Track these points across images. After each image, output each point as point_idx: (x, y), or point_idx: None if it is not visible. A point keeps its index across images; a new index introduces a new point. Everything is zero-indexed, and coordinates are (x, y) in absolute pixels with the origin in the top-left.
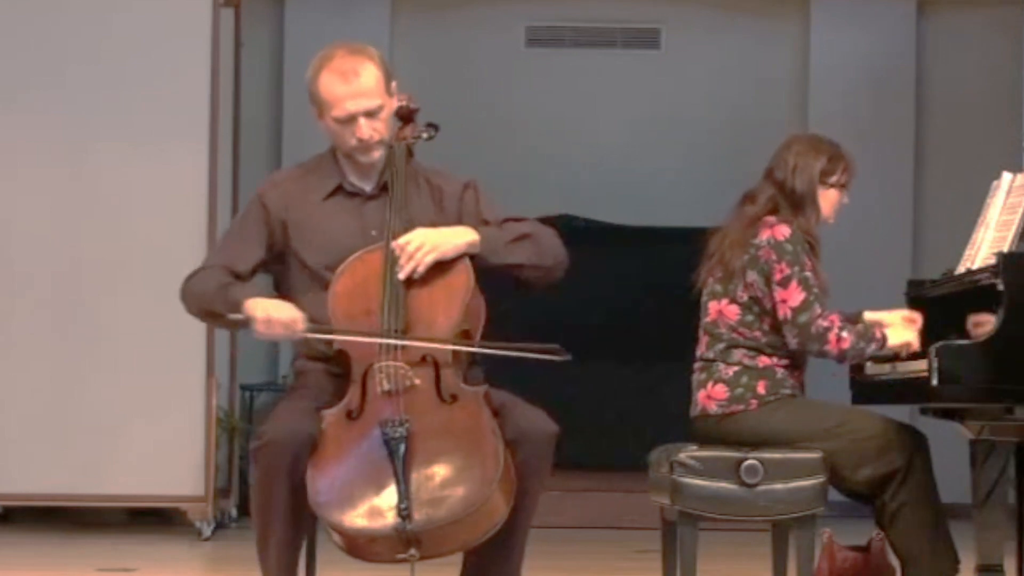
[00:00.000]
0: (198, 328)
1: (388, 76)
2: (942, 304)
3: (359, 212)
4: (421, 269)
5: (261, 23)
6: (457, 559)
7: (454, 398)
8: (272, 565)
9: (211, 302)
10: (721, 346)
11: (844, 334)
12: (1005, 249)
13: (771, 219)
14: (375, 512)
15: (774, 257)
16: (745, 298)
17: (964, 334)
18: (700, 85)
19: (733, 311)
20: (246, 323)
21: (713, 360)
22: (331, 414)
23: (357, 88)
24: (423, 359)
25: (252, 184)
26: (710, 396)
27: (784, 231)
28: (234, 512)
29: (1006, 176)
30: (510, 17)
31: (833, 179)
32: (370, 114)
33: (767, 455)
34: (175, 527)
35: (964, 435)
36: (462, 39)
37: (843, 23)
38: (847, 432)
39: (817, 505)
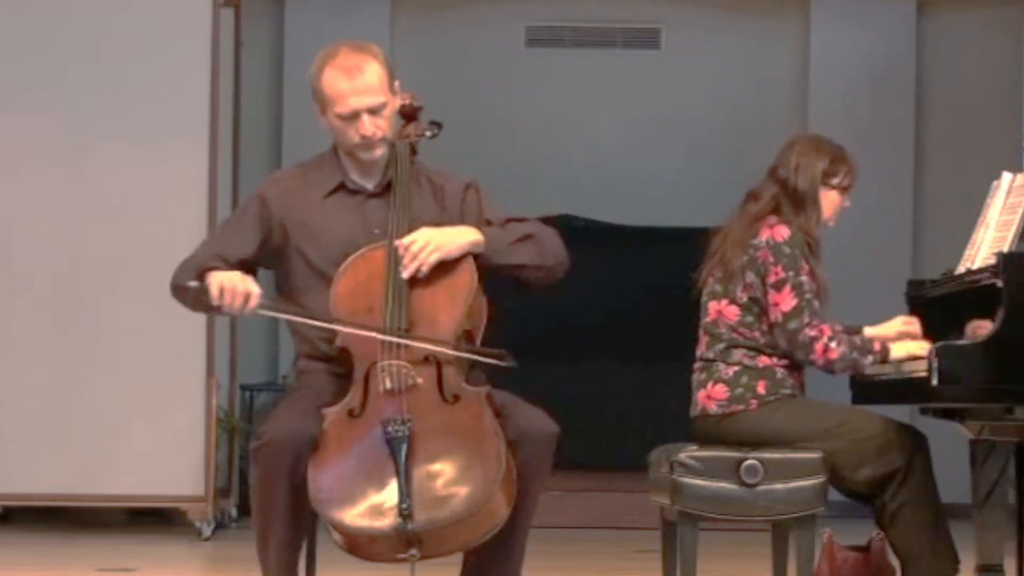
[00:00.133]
0: (198, 328)
1: (391, 74)
2: (942, 304)
3: (360, 210)
4: (425, 268)
5: (261, 23)
6: (457, 559)
7: (456, 398)
8: (272, 565)
9: (181, 278)
10: (721, 346)
11: (832, 344)
12: (1005, 249)
13: (772, 219)
14: (376, 511)
15: (771, 259)
16: (745, 299)
17: (964, 335)
18: (700, 85)
19: (733, 311)
20: (203, 292)
21: (713, 360)
22: (333, 412)
23: (361, 84)
24: (425, 359)
25: (252, 184)
26: (710, 396)
27: (783, 232)
28: (234, 512)
29: (1006, 176)
30: (510, 17)
31: (835, 181)
32: (373, 111)
33: (767, 455)
34: (175, 527)
35: (964, 435)
36: (462, 39)
37: (843, 23)
38: (847, 432)
39: (817, 505)
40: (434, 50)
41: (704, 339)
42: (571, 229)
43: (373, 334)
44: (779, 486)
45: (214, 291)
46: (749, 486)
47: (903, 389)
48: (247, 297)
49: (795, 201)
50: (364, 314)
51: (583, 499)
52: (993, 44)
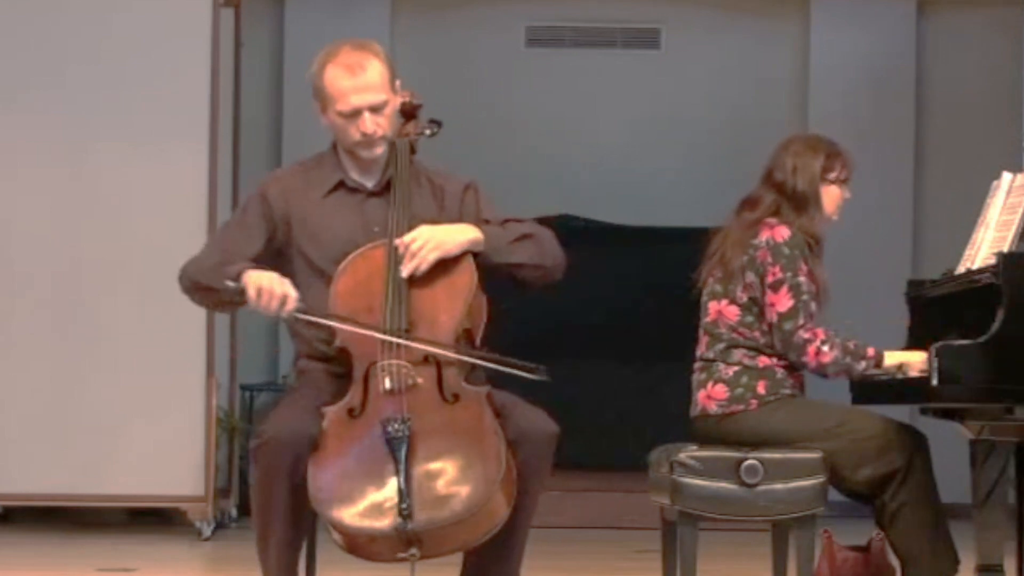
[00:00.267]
0: (198, 328)
1: (393, 72)
2: (942, 304)
3: (360, 209)
4: (424, 267)
5: (261, 23)
6: (457, 559)
7: (456, 398)
8: (272, 565)
9: (207, 277)
10: (721, 346)
11: (825, 348)
12: (1005, 249)
13: (772, 220)
14: (376, 511)
15: (769, 259)
16: (744, 299)
17: (964, 334)
18: (700, 85)
19: (733, 311)
20: (239, 293)
21: (713, 360)
22: (333, 411)
23: (363, 82)
24: (425, 358)
25: (252, 184)
26: (710, 396)
27: (783, 233)
28: (234, 512)
29: (1006, 176)
30: (510, 17)
31: (833, 175)
32: (374, 109)
33: (767, 455)
34: (175, 527)
35: (964, 435)
36: (462, 39)
37: (843, 23)
38: (847, 432)
39: (817, 505)
40: (434, 50)
41: (704, 339)
42: (571, 229)
43: (427, 347)
44: (779, 486)
45: (251, 292)
46: (749, 486)
47: (903, 389)
48: (284, 300)
49: (796, 202)
50: (364, 313)
51: (583, 499)
52: (993, 44)
